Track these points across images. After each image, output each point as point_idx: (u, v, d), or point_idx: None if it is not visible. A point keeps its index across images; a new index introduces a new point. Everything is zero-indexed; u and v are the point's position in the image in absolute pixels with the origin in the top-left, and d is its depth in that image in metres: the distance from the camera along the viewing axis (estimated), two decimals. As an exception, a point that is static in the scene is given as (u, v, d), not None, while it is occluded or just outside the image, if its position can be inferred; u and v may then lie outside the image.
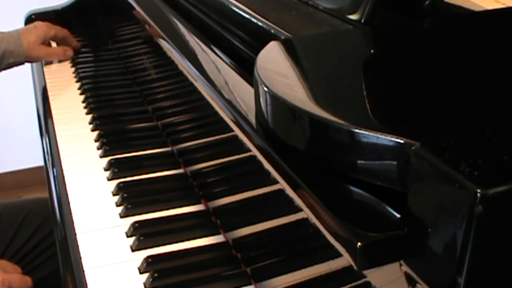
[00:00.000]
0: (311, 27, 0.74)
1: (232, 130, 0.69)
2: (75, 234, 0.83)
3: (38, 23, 1.39)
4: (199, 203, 0.89)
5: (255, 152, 0.62)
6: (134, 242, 0.81)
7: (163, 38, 0.98)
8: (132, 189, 0.93)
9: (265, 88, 0.54)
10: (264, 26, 0.75)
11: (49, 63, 1.48)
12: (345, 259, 0.47)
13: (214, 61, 0.80)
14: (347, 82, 0.56)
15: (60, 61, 1.48)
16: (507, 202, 0.37)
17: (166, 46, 0.96)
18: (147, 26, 1.12)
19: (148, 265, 0.76)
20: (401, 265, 0.43)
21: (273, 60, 0.61)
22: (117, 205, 0.90)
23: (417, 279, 0.42)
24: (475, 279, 0.38)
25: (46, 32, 1.36)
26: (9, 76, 2.17)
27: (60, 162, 1.02)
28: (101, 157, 1.03)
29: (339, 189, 0.48)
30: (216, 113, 0.74)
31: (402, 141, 0.42)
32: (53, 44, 1.45)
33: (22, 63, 1.36)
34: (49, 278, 1.08)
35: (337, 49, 0.64)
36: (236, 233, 0.78)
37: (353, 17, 0.69)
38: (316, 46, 0.65)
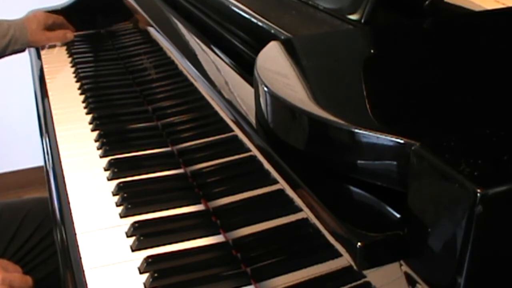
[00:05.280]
0: (311, 27, 0.74)
1: (232, 130, 0.69)
2: (75, 234, 0.83)
3: (37, 12, 1.50)
4: (199, 203, 0.89)
5: (255, 152, 0.62)
6: (134, 242, 0.81)
7: (163, 38, 0.98)
8: (132, 189, 0.93)
9: (265, 88, 0.54)
10: (264, 26, 0.75)
11: (48, 58, 1.50)
12: (345, 259, 0.47)
13: (214, 61, 0.80)
14: (347, 82, 0.56)
15: (61, 62, 1.49)
16: (507, 202, 0.37)
17: (166, 46, 0.96)
18: (147, 26, 1.12)
19: (148, 265, 0.76)
20: (401, 265, 0.43)
21: (273, 60, 0.61)
22: (117, 205, 0.90)
23: (417, 279, 0.42)
24: (475, 279, 0.38)
25: (45, 20, 1.48)
26: (9, 76, 2.17)
27: (60, 162, 1.02)
28: (101, 157, 1.03)
29: (339, 189, 0.48)
30: (216, 113, 0.74)
31: (402, 141, 0.42)
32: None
33: (23, 50, 1.47)
34: (49, 277, 1.08)
35: (337, 49, 0.64)
36: (236, 233, 0.78)
37: (353, 17, 0.69)
38: (316, 46, 0.65)
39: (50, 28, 1.50)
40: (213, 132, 0.83)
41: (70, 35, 1.54)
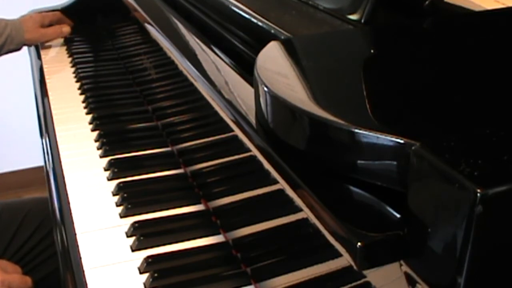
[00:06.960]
0: (311, 27, 0.74)
1: (232, 130, 0.69)
2: (75, 234, 0.83)
3: (33, 13, 1.51)
4: (199, 203, 0.89)
5: (255, 152, 0.62)
6: (134, 242, 0.81)
7: (163, 38, 0.98)
8: (132, 189, 0.93)
9: (265, 88, 0.54)
10: (264, 26, 0.75)
11: (48, 58, 1.50)
12: (345, 259, 0.47)
13: (214, 61, 0.80)
14: (347, 82, 0.56)
15: (61, 62, 1.49)
16: (507, 202, 0.37)
17: (166, 46, 0.96)
18: (147, 26, 1.12)
19: (148, 265, 0.76)
20: (401, 265, 0.43)
21: (273, 60, 0.61)
22: (117, 205, 0.90)
23: (417, 279, 0.42)
24: (475, 279, 0.38)
25: (41, 20, 1.49)
26: (9, 76, 2.17)
27: (60, 162, 1.02)
28: (101, 157, 1.03)
29: (339, 189, 0.48)
30: (216, 113, 0.74)
31: (402, 141, 0.42)
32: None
33: (18, 49, 1.48)
34: (49, 278, 1.08)
35: (337, 49, 0.64)
36: (236, 233, 0.78)
37: (353, 17, 0.69)
38: (316, 46, 0.65)
39: (46, 27, 1.51)
40: (213, 132, 0.83)
41: (66, 29, 1.53)
